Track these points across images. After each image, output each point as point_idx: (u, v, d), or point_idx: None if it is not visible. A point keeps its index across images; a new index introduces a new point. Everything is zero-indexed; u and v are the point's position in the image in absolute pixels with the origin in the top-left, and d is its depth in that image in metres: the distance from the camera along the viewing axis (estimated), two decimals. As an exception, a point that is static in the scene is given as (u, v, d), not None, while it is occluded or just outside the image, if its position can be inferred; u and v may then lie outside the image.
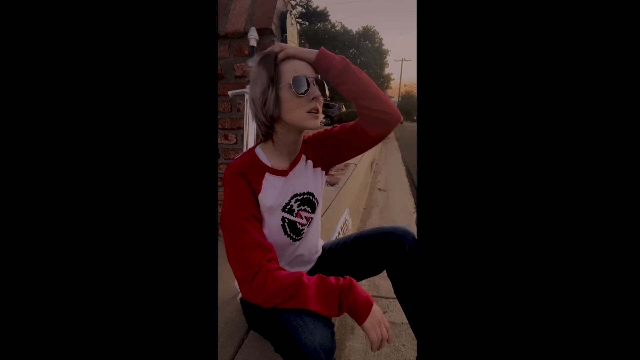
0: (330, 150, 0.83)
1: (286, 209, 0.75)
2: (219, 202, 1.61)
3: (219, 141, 1.52)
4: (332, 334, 0.60)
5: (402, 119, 0.82)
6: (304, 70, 0.69)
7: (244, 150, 1.33)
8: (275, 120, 0.70)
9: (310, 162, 0.82)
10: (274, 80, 0.67)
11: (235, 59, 1.40)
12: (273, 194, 0.73)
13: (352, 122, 0.81)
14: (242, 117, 1.44)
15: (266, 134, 0.73)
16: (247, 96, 1.32)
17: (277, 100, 0.68)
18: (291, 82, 0.66)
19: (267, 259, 0.63)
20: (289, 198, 0.76)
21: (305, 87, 0.66)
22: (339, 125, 0.83)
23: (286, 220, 0.76)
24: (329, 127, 0.84)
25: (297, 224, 0.78)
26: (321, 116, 0.71)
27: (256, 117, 0.71)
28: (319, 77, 0.70)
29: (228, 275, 1.17)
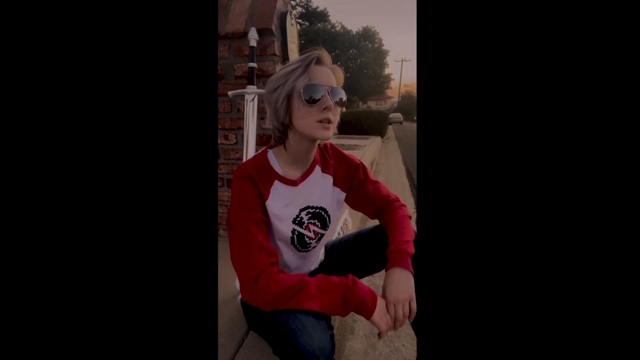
0: (351, 188, 0.83)
1: (296, 221, 0.74)
2: (219, 203, 1.62)
3: (219, 141, 1.52)
4: (332, 336, 0.60)
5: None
6: (320, 77, 0.64)
7: (244, 150, 1.33)
8: (287, 126, 0.68)
9: (329, 178, 0.79)
10: (286, 85, 0.64)
11: (235, 59, 1.40)
12: (280, 203, 0.71)
13: (378, 196, 0.83)
14: (242, 117, 1.44)
15: (279, 139, 0.71)
16: (247, 96, 1.32)
17: (288, 107, 0.65)
18: (302, 90, 0.62)
19: (269, 262, 0.63)
20: (299, 210, 0.74)
21: (318, 97, 0.63)
22: (374, 182, 0.84)
23: (296, 232, 0.74)
24: (362, 165, 0.83)
25: (305, 237, 0.76)
26: (334, 126, 0.67)
27: (271, 121, 0.69)
28: (335, 85, 0.66)
29: (228, 275, 1.17)
